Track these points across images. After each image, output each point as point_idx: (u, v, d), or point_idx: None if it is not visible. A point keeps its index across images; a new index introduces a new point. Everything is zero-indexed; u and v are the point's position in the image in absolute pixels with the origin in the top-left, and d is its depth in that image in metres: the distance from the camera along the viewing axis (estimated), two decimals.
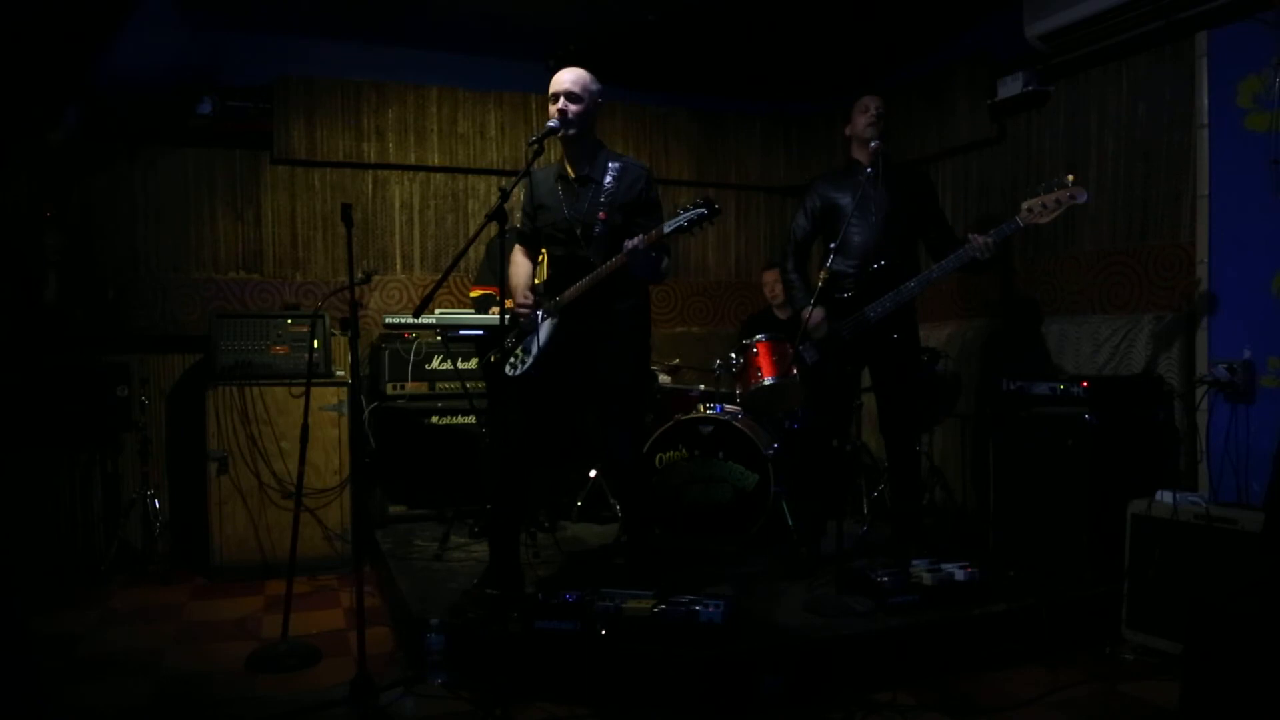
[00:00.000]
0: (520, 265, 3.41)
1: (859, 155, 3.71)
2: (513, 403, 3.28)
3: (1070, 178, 3.26)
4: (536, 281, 3.49)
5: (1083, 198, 3.24)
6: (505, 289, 3.01)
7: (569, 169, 3.27)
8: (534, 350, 3.22)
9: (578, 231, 3.19)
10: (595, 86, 3.21)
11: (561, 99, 3.13)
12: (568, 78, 3.17)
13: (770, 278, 4.92)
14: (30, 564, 4.18)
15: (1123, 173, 3.98)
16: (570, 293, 3.16)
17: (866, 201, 3.54)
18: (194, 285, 4.80)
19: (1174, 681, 2.66)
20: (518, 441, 3.26)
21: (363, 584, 3.09)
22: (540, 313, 3.24)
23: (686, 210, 2.98)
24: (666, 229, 2.99)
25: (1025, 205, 3.31)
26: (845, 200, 3.62)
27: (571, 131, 3.16)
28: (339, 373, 4.59)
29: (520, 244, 3.43)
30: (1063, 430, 3.48)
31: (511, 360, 3.27)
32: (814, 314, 3.42)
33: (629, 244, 3.01)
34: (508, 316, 3.06)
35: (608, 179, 3.20)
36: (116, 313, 4.66)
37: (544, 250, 3.51)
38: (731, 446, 4.09)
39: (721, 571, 3.67)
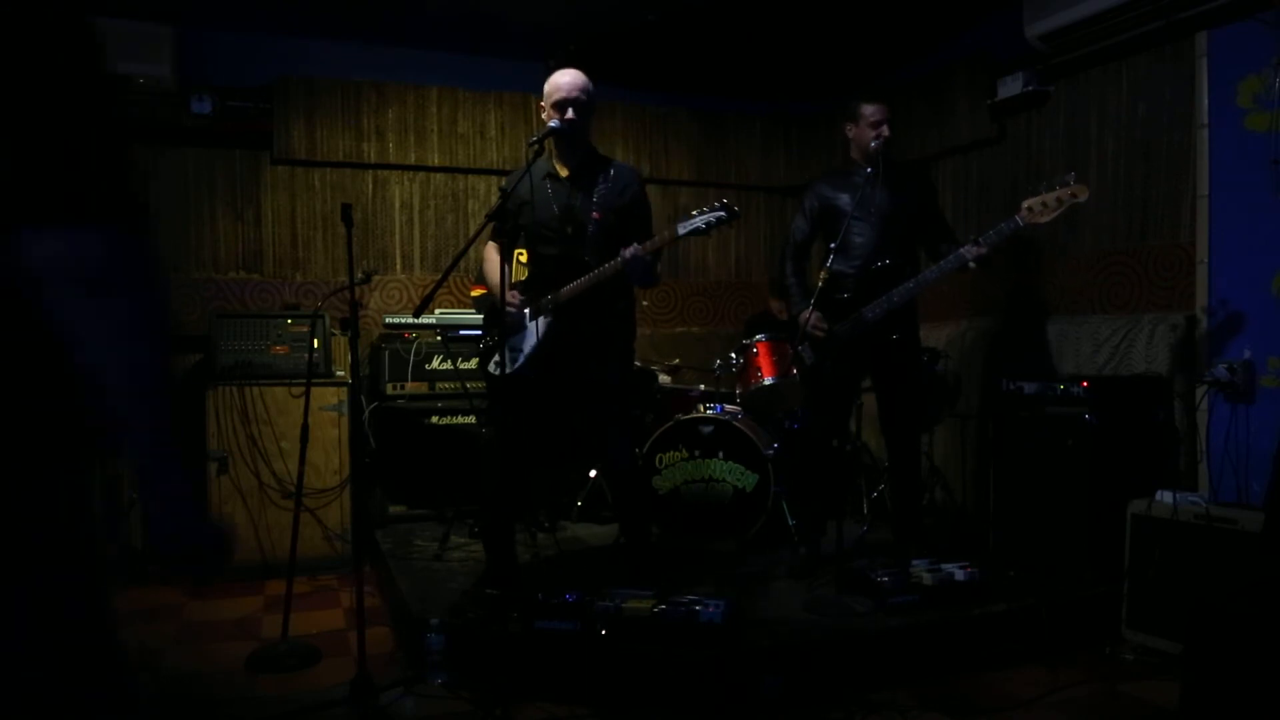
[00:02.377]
0: (493, 264, 3.36)
1: (856, 156, 3.70)
2: (507, 402, 3.27)
3: (1071, 175, 3.26)
4: (515, 279, 3.47)
5: (1084, 196, 3.23)
6: (488, 286, 2.99)
7: (559, 168, 3.26)
8: (525, 349, 3.21)
9: (569, 230, 3.18)
10: (591, 87, 3.20)
11: (570, 109, 3.11)
12: (572, 82, 3.14)
13: (777, 305, 4.89)
14: None
15: (1123, 173, 3.97)
16: (567, 291, 3.15)
17: (866, 202, 3.53)
18: (194, 285, 4.80)
19: (1174, 681, 2.66)
20: (517, 439, 3.26)
21: (363, 584, 3.09)
22: (528, 311, 3.23)
23: (703, 212, 2.96)
24: (682, 230, 2.99)
25: (1026, 204, 3.30)
26: (844, 201, 3.61)
27: (575, 136, 3.16)
28: (339, 373, 4.59)
29: (495, 240, 3.40)
30: (1063, 430, 3.48)
31: (497, 358, 3.25)
32: (811, 317, 3.41)
33: (626, 252, 3.00)
34: (490, 314, 3.04)
35: (600, 181, 3.20)
36: None
37: (523, 249, 3.48)
38: (731, 446, 4.09)
39: (721, 571, 3.67)
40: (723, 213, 2.95)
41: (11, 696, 0.97)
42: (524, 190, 3.23)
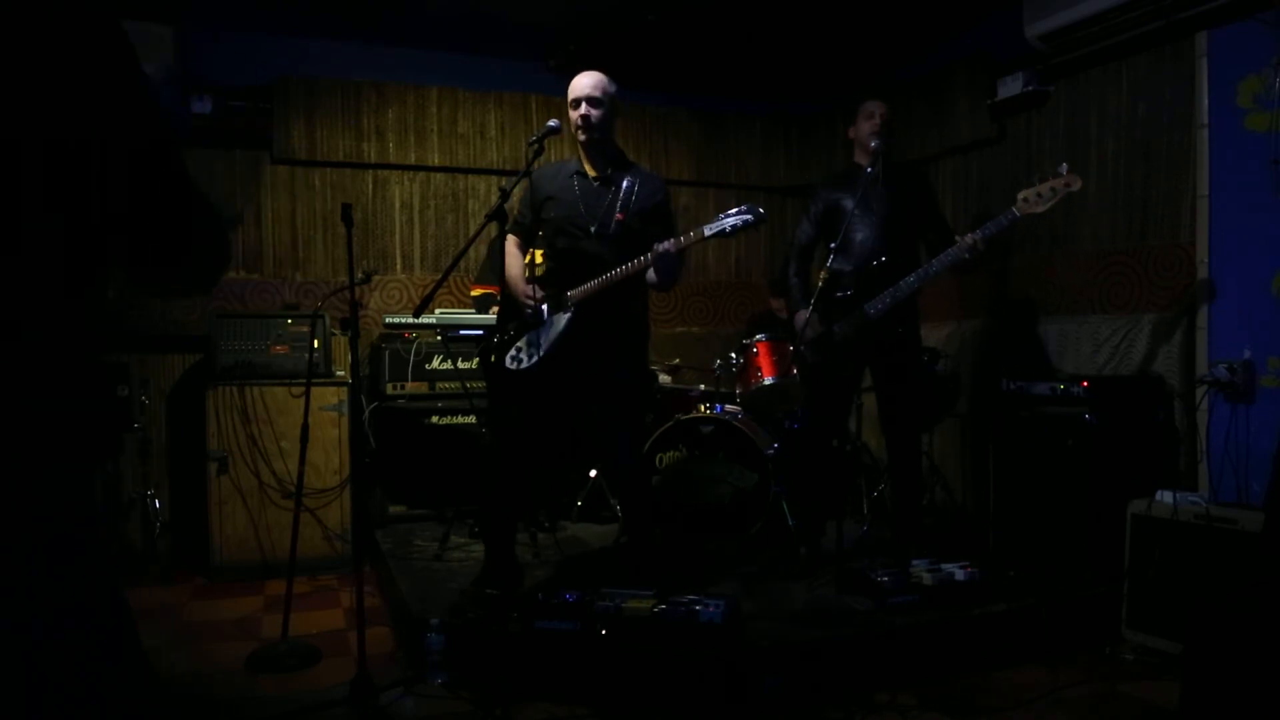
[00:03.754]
0: (515, 257, 3.38)
1: (860, 159, 3.72)
2: (514, 398, 3.28)
3: (1064, 166, 3.27)
4: (526, 274, 3.47)
5: (1078, 184, 3.26)
6: (502, 282, 3.00)
7: (588, 169, 3.28)
8: (541, 345, 3.21)
9: (593, 228, 3.20)
10: (613, 89, 3.23)
11: (584, 105, 3.15)
12: (589, 82, 3.18)
13: (778, 304, 4.91)
14: None
15: (1123, 173, 3.97)
16: (586, 290, 3.16)
17: (867, 201, 3.55)
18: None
19: (1174, 681, 2.66)
20: (518, 438, 3.26)
21: (363, 584, 3.09)
22: (546, 307, 3.23)
23: (731, 214, 2.97)
24: (709, 231, 2.99)
25: (1021, 196, 3.34)
26: (847, 201, 3.63)
27: (596, 136, 3.18)
28: (339, 373, 4.59)
29: (514, 234, 3.41)
30: (1063, 430, 3.48)
31: (513, 353, 3.26)
32: (808, 318, 3.43)
33: (660, 247, 3.01)
34: (506, 307, 3.05)
35: (626, 183, 3.23)
36: (116, 313, 4.65)
37: (541, 246, 3.49)
38: (731, 446, 4.09)
39: (721, 571, 3.66)
40: (749, 215, 2.95)
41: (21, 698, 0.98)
42: (552, 187, 3.26)
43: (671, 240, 3.03)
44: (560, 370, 3.22)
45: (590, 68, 3.26)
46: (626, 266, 3.08)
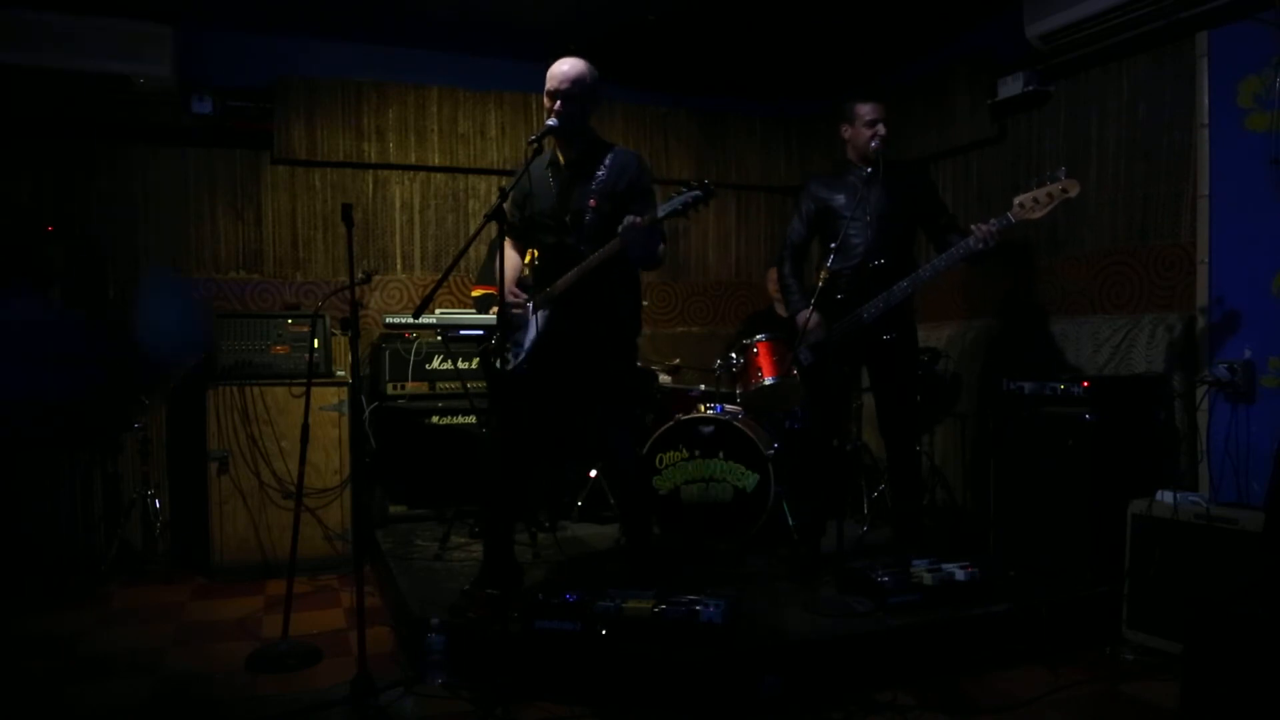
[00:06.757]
0: (510, 259, 3.36)
1: (852, 157, 3.69)
2: (510, 398, 3.27)
3: (1062, 171, 3.26)
4: (526, 273, 3.47)
5: (1075, 190, 3.24)
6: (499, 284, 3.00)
7: (560, 157, 3.26)
8: (525, 344, 3.21)
9: (567, 220, 3.18)
10: (590, 78, 3.16)
11: (558, 100, 3.11)
12: (562, 73, 3.13)
13: (775, 275, 4.92)
14: (30, 564, 4.18)
15: (1123, 173, 3.98)
16: (562, 283, 3.14)
17: (863, 202, 3.53)
18: (194, 285, 4.80)
19: (1174, 681, 2.66)
20: (516, 437, 3.26)
21: (363, 584, 3.09)
22: (532, 305, 3.23)
23: (680, 194, 2.98)
24: (661, 213, 2.99)
25: (1017, 200, 3.32)
26: (840, 201, 3.62)
27: (567, 126, 3.14)
28: (339, 373, 4.59)
29: (510, 237, 3.40)
30: (1063, 430, 3.48)
31: (504, 354, 3.25)
32: (810, 319, 3.41)
33: (627, 220, 2.98)
34: (498, 311, 3.06)
35: (600, 169, 3.19)
36: (116, 312, 4.66)
37: (533, 243, 3.49)
38: (731, 446, 4.09)
39: (721, 571, 3.67)
40: (699, 191, 2.95)
41: None
42: (530, 183, 3.24)
43: (632, 216, 2.99)
44: (550, 366, 3.21)
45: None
46: (600, 253, 3.06)
